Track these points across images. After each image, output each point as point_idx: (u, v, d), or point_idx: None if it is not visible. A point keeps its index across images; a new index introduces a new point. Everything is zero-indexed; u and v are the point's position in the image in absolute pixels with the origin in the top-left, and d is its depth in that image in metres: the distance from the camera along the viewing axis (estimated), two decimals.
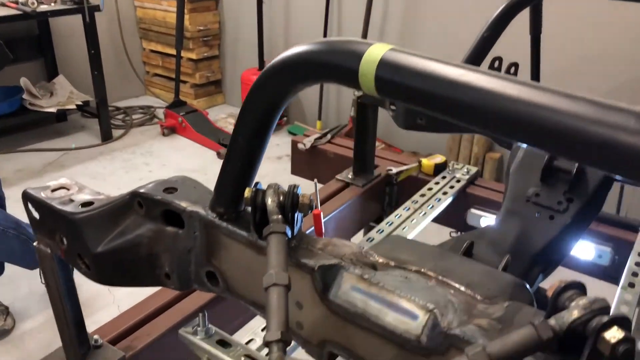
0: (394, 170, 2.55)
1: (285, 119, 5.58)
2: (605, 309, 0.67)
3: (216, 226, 1.07)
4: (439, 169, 2.56)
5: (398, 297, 0.88)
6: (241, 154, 1.01)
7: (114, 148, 5.52)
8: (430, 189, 2.40)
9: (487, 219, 2.34)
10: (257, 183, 1.00)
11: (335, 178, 2.55)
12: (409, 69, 0.77)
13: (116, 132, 5.76)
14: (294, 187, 0.97)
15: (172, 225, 1.14)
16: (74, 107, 5.59)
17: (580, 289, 0.72)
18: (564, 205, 1.56)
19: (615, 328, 0.65)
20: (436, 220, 2.31)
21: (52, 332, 1.58)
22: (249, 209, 1.01)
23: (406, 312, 0.86)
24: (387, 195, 2.62)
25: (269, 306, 0.84)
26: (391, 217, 2.21)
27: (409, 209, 2.25)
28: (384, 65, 0.78)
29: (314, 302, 0.96)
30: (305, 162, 2.93)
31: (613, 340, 0.64)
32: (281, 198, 0.96)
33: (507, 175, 1.75)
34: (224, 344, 1.21)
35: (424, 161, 2.57)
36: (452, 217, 2.42)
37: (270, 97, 0.94)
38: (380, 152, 2.69)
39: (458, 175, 2.49)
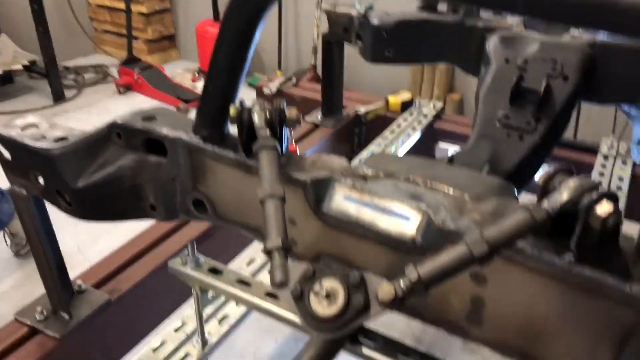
0: (362, 109, 2.56)
1: None
2: (594, 187, 0.71)
3: (201, 150, 1.05)
4: (406, 106, 2.58)
5: (390, 202, 0.89)
6: (223, 71, 0.98)
7: (67, 109, 5.30)
8: (399, 125, 2.43)
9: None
10: (241, 101, 0.99)
11: (304, 120, 2.54)
12: None
13: (68, 93, 5.53)
14: (280, 103, 0.96)
15: (154, 154, 1.12)
16: (20, 67, 5.32)
17: (568, 172, 0.75)
18: (533, 125, 1.60)
19: (605, 202, 0.68)
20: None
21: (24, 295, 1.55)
22: (234, 129, 1.00)
23: (399, 215, 0.88)
24: (356, 136, 2.63)
25: (266, 217, 0.85)
26: (363, 154, 2.24)
27: (379, 145, 2.28)
28: None
29: (307, 217, 0.97)
30: None
31: (604, 214, 0.68)
32: (268, 114, 0.95)
33: (476, 100, 1.78)
34: (215, 271, 1.22)
35: (391, 98, 2.58)
36: (421, 152, 2.46)
37: (252, 3, 0.92)
38: (346, 93, 2.69)
39: (425, 110, 2.52)
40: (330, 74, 2.41)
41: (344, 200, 0.93)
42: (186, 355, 1.31)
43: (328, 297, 0.76)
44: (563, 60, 1.58)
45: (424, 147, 2.47)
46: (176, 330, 1.37)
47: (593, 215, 0.68)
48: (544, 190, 0.76)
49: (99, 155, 1.15)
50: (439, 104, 2.56)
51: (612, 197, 0.69)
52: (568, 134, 2.63)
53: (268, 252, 0.82)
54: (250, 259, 1.50)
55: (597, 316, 0.74)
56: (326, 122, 2.48)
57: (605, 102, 1.83)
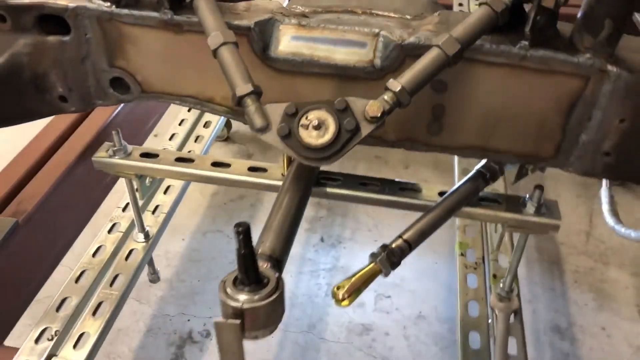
0: None
1: None
2: None
3: (115, 17, 0.93)
4: None
5: (342, 33, 0.89)
6: None
7: None
8: None
9: None
10: None
11: None
12: None
13: None
14: None
15: (53, 33, 0.97)
16: None
17: None
18: None
19: None
20: None
21: None
22: None
23: (353, 43, 0.89)
24: None
25: (225, 65, 0.81)
26: None
27: None
28: None
29: (253, 68, 0.93)
30: None
31: None
32: None
33: None
34: (148, 155, 1.14)
35: None
36: None
37: None
38: None
39: None
40: None
41: (292, 41, 0.91)
42: (131, 251, 1.25)
43: (317, 127, 0.77)
44: None
45: None
46: (109, 231, 1.29)
47: None
48: None
49: None
50: None
51: None
52: None
53: (239, 101, 0.79)
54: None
55: (548, 92, 0.84)
56: None
57: None
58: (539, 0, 0.76)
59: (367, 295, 1.93)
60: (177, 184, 1.39)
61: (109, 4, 0.93)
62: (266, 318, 0.76)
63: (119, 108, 1.70)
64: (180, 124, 1.61)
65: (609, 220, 1.68)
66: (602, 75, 0.80)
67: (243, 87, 0.79)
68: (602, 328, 1.87)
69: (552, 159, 0.90)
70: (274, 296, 0.75)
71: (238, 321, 0.73)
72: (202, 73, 0.97)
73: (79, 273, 1.19)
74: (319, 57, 0.90)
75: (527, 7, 0.81)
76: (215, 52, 0.82)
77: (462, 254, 1.26)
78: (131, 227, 1.31)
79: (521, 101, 0.86)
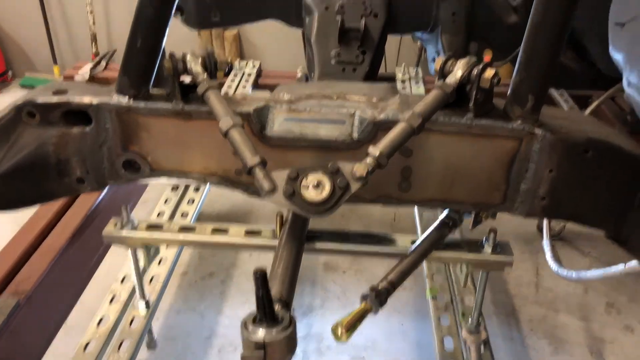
0: (187, 80, 2.62)
1: (10, 73, 4.90)
2: (477, 62, 1.01)
3: (132, 109, 1.10)
4: (227, 70, 2.72)
5: (324, 114, 1.10)
6: (150, 25, 1.04)
7: None
8: (229, 86, 2.57)
9: None
10: (171, 54, 1.07)
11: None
12: None
13: None
14: (209, 48, 1.08)
15: (75, 124, 1.12)
16: None
17: (454, 57, 1.05)
18: (361, 58, 1.94)
19: (488, 69, 0.99)
20: None
21: None
22: (155, 83, 1.07)
23: (335, 121, 1.10)
24: None
25: (235, 144, 0.99)
26: None
27: None
28: None
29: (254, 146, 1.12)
30: None
31: (490, 76, 0.98)
32: (201, 60, 1.07)
33: (308, 46, 2.04)
34: (154, 227, 1.27)
35: None
36: None
37: None
38: None
39: (247, 70, 2.71)
40: None
41: (284, 122, 1.11)
42: (133, 319, 1.35)
43: (316, 186, 0.95)
44: (370, 1, 1.93)
45: None
46: (110, 302, 1.38)
47: (483, 79, 0.99)
48: (442, 74, 1.04)
49: (10, 140, 1.11)
50: (257, 62, 2.77)
51: (491, 65, 1.01)
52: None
53: (250, 170, 0.96)
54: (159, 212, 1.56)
55: (492, 152, 1.06)
56: None
57: (404, 32, 2.25)
58: (478, 82, 1.00)
59: (342, 358, 2.03)
60: (169, 257, 1.51)
61: (127, 98, 1.10)
62: (283, 350, 0.90)
63: (102, 195, 1.84)
64: (165, 203, 1.75)
65: (553, 265, 1.90)
66: (531, 136, 1.03)
67: (252, 159, 0.96)
68: None
69: (501, 205, 1.11)
70: (289, 330, 0.90)
71: (262, 351, 0.87)
72: (206, 152, 1.14)
73: (85, 343, 1.27)
74: (307, 133, 1.09)
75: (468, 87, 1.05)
76: (226, 133, 1.00)
77: (433, 297, 1.43)
78: (130, 297, 1.40)
79: (471, 160, 1.08)
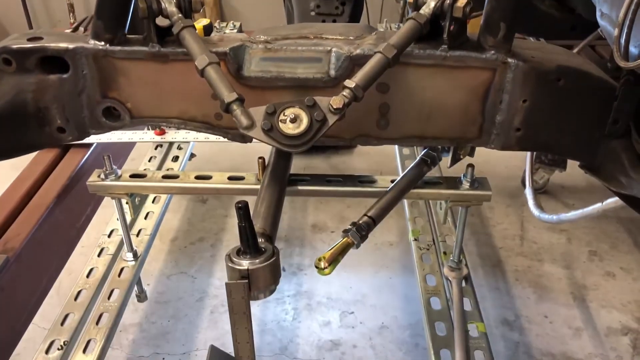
0: (163, 23, 2.58)
1: None
2: None
3: (109, 53, 1.10)
4: (208, 30, 2.68)
5: (300, 52, 1.11)
6: None
7: None
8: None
9: None
10: None
11: None
12: None
13: None
14: None
15: (53, 72, 1.12)
16: None
17: None
18: (340, 9, 1.94)
19: None
20: None
21: None
22: (131, 30, 1.07)
23: (311, 59, 1.11)
24: None
25: (212, 81, 1.00)
26: None
27: None
28: None
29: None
30: None
31: (463, 4, 0.99)
32: (176, 1, 1.07)
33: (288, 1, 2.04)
34: (137, 176, 1.28)
35: (196, 25, 2.67)
36: None
37: None
38: None
39: (227, 31, 2.68)
40: None
41: (261, 61, 1.11)
42: (122, 269, 1.37)
43: (293, 120, 0.96)
44: None
45: None
46: (99, 254, 1.40)
47: (456, 7, 1.00)
48: (416, 5, 1.04)
49: None
50: (237, 23, 2.74)
51: None
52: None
53: (227, 107, 0.97)
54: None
55: (467, 84, 1.08)
56: None
57: None
58: (451, 13, 1.00)
59: (332, 313, 2.06)
60: (156, 210, 1.53)
61: (103, 43, 1.10)
62: (267, 279, 0.92)
63: (88, 154, 1.84)
64: (149, 161, 1.76)
65: (534, 211, 1.93)
66: (504, 66, 1.04)
67: (229, 96, 0.97)
68: (544, 316, 2.08)
69: (477, 139, 1.13)
70: (272, 260, 0.92)
71: (245, 280, 0.89)
72: (185, 96, 1.15)
73: (76, 292, 1.29)
74: (284, 72, 1.10)
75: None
76: (202, 72, 1.00)
77: (415, 239, 1.46)
78: (118, 250, 1.42)
79: (447, 94, 1.09)
